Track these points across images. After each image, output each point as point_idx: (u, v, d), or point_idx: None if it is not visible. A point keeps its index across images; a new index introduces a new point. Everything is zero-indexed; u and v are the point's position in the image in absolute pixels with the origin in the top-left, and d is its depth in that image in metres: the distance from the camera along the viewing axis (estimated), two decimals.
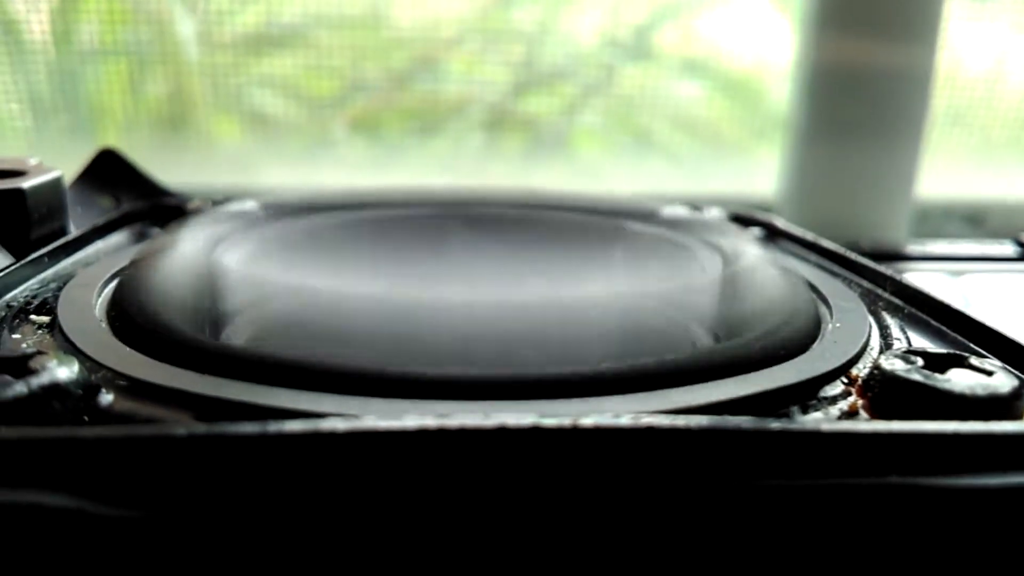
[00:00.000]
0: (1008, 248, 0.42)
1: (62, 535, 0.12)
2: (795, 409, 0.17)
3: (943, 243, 0.44)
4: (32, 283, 0.23)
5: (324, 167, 0.53)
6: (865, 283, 0.26)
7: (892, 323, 0.22)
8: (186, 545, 0.13)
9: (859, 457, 0.14)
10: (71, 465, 0.13)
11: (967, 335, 0.21)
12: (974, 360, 0.17)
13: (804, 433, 0.14)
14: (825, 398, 0.17)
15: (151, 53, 0.48)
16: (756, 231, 0.33)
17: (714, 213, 0.34)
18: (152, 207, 0.32)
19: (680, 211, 0.33)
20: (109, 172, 0.35)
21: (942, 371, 0.17)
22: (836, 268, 0.27)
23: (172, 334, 0.18)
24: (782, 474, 0.14)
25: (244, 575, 0.13)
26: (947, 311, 0.22)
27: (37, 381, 0.14)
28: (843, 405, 0.17)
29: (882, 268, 0.26)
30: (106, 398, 0.16)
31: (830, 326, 0.21)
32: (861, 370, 0.18)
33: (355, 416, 0.14)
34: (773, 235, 0.33)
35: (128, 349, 0.18)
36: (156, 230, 0.30)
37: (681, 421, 0.14)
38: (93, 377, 0.16)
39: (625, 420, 0.13)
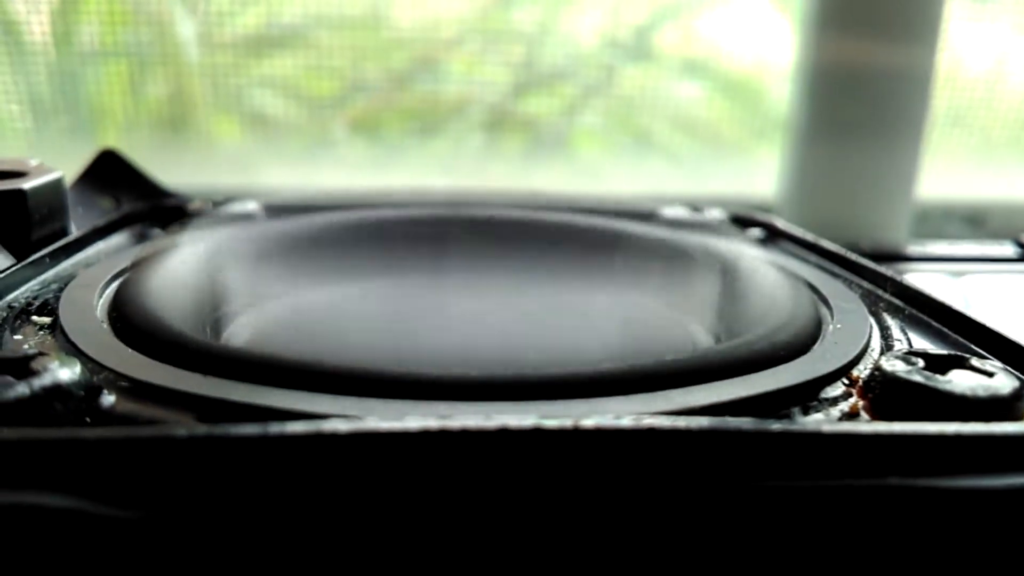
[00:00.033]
0: (1008, 249, 0.42)
1: (64, 536, 0.12)
2: (796, 410, 0.17)
3: (943, 244, 0.44)
4: (33, 284, 0.23)
5: (324, 167, 0.53)
6: (866, 284, 0.26)
7: (893, 324, 0.22)
8: (187, 546, 0.13)
9: (860, 458, 0.14)
10: (73, 466, 0.13)
11: (968, 336, 0.21)
12: (975, 361, 0.17)
13: (805, 434, 0.14)
14: (826, 399, 0.17)
15: (151, 54, 0.48)
16: (756, 232, 0.33)
17: (714, 214, 0.34)
18: (153, 208, 0.32)
19: (680, 212, 0.33)
20: (110, 173, 0.35)
21: (943, 372, 0.17)
22: (836, 269, 0.27)
23: (173, 335, 0.18)
24: (783, 475, 0.14)
25: None
26: (948, 312, 0.22)
27: (39, 382, 0.14)
28: (844, 406, 0.17)
29: (882, 269, 0.26)
30: (108, 399, 0.16)
31: (831, 327, 0.21)
32: (862, 371, 0.18)
33: (357, 417, 0.14)
34: (773, 236, 0.33)
35: (129, 350, 0.18)
36: (157, 231, 0.30)
37: (682, 422, 0.14)
38: (95, 378, 0.16)
39: (626, 421, 0.13)
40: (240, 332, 0.23)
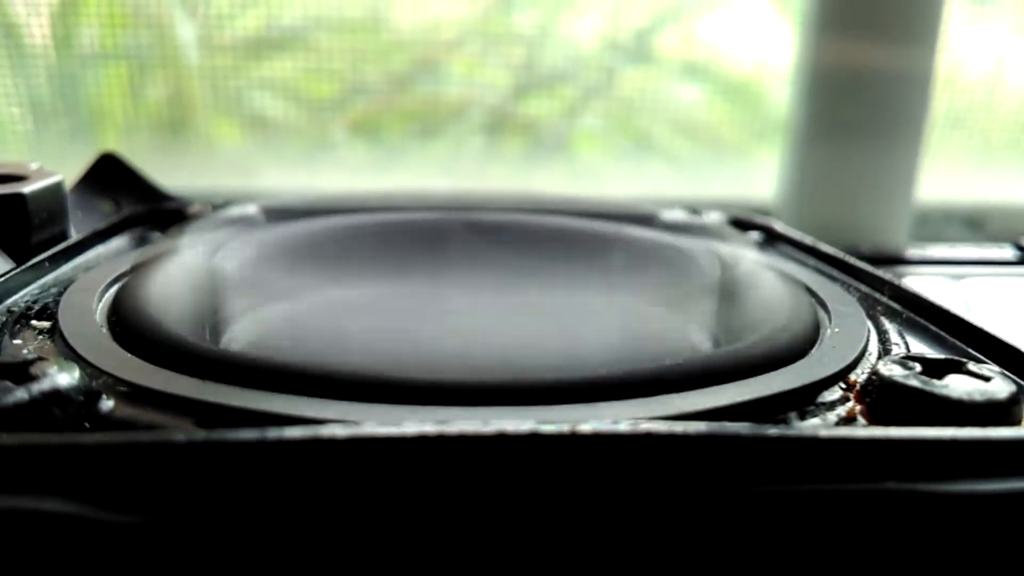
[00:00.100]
0: (1008, 252, 0.42)
1: (63, 541, 0.12)
2: (793, 415, 0.17)
3: (943, 247, 0.44)
4: (33, 288, 0.23)
5: (324, 170, 0.53)
6: (864, 287, 0.26)
7: (891, 328, 0.22)
8: (186, 551, 0.13)
9: (857, 463, 0.14)
10: (72, 471, 0.13)
11: (966, 340, 0.21)
12: (972, 366, 0.17)
13: (802, 439, 0.14)
14: (823, 404, 0.17)
15: (151, 57, 0.48)
16: (755, 235, 0.33)
17: (713, 217, 0.34)
18: (152, 211, 0.32)
19: (679, 215, 0.33)
20: (109, 176, 0.35)
21: (940, 377, 0.17)
22: (835, 272, 0.27)
23: (173, 340, 0.18)
24: (780, 480, 0.14)
25: None
26: (945, 316, 0.22)
27: (38, 387, 0.14)
28: (841, 411, 0.17)
29: (881, 272, 0.26)
30: (107, 404, 0.16)
31: (828, 331, 0.21)
32: (859, 376, 0.18)
33: (355, 423, 0.14)
34: (772, 239, 0.33)
35: (129, 355, 0.18)
36: (157, 234, 0.30)
37: (679, 427, 0.14)
38: (94, 383, 0.16)
39: (623, 426, 0.13)
40: (239, 336, 0.23)
